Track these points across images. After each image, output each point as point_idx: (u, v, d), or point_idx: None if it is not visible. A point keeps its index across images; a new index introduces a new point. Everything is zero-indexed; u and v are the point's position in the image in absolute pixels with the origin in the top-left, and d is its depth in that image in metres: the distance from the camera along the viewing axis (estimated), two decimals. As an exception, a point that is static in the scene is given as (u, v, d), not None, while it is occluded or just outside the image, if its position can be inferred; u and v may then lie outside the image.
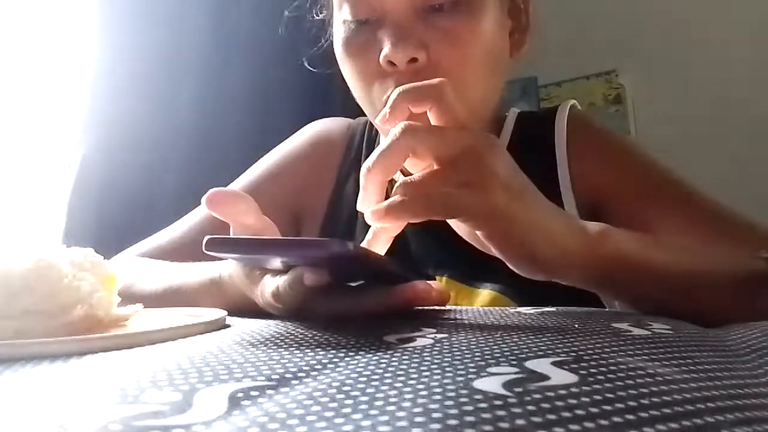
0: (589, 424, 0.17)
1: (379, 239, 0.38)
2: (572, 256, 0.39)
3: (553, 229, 0.38)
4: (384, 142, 0.36)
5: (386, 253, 0.39)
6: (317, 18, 0.66)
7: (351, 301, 0.38)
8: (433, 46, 0.51)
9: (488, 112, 0.61)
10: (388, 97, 0.52)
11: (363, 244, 0.38)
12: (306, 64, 0.67)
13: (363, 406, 0.19)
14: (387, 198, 0.36)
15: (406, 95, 0.37)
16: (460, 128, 0.37)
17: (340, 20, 0.57)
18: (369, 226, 0.38)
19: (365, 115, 0.63)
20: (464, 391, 0.20)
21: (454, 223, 0.41)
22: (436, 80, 0.37)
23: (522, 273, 0.39)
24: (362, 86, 0.56)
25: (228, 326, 0.37)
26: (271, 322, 0.37)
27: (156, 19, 1.18)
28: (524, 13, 0.61)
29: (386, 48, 0.51)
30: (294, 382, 0.22)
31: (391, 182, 0.37)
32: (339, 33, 0.57)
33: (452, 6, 0.52)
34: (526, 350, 0.26)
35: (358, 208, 0.36)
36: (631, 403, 0.19)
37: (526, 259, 0.38)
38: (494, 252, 0.39)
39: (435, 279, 0.60)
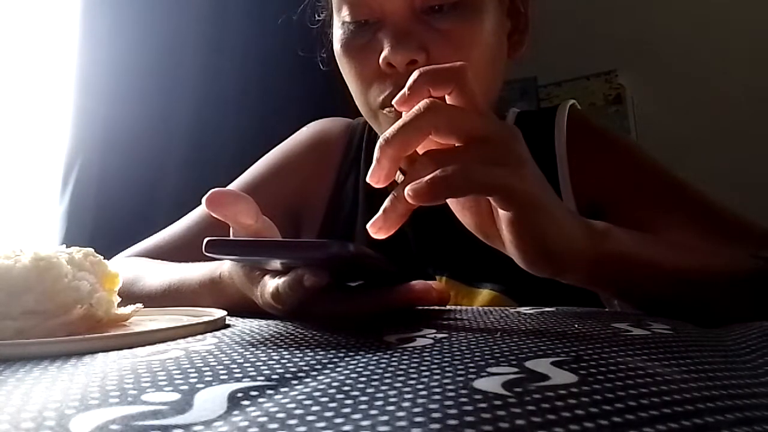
0: (589, 424, 0.17)
1: (395, 213, 0.34)
2: (578, 252, 0.38)
3: (563, 224, 0.37)
4: (406, 116, 0.34)
5: (386, 254, 0.39)
6: (317, 19, 0.66)
7: (351, 301, 0.38)
8: (432, 48, 0.51)
9: None
10: (385, 98, 0.53)
11: (375, 219, 0.34)
12: (321, 66, 0.67)
13: (363, 406, 0.19)
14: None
15: (427, 77, 0.35)
16: (481, 113, 0.36)
17: (339, 21, 0.56)
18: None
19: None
20: (464, 391, 0.20)
21: (458, 212, 0.40)
22: (457, 63, 0.35)
23: (527, 267, 0.38)
24: (360, 87, 0.56)
25: (228, 326, 0.37)
26: (271, 322, 0.37)
27: (153, 20, 1.17)
28: (523, 14, 0.60)
29: (386, 50, 0.51)
30: (294, 382, 0.22)
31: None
32: (338, 34, 0.57)
33: (452, 8, 0.52)
34: (526, 350, 0.26)
35: (368, 179, 0.35)
36: (631, 403, 0.19)
37: (536, 250, 0.37)
38: (502, 242, 0.37)
39: (435, 279, 0.60)
